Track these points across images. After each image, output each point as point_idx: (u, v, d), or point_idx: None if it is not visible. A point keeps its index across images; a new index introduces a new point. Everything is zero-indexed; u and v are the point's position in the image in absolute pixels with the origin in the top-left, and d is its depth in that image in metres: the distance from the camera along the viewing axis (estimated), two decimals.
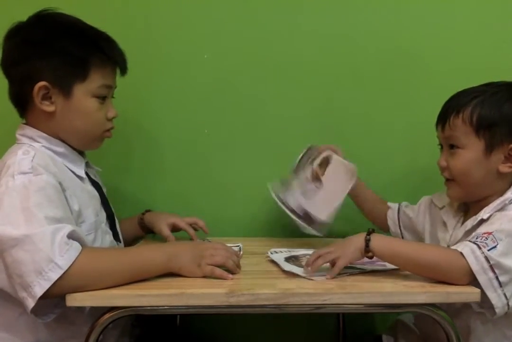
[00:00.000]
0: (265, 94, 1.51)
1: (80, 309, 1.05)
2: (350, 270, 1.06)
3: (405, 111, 1.50)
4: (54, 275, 0.90)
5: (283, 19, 1.49)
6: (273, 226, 1.48)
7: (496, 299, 0.97)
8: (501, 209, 1.10)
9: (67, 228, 0.94)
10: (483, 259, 0.97)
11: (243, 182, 1.51)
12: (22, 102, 1.13)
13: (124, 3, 1.48)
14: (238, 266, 1.06)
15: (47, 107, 1.10)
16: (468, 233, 1.13)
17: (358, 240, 1.03)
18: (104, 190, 1.27)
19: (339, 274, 1.03)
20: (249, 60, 1.50)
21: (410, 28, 1.50)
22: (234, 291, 0.93)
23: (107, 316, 0.92)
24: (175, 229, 1.33)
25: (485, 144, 1.12)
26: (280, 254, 1.21)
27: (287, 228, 1.45)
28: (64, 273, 0.90)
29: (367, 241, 1.02)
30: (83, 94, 1.12)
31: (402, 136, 1.51)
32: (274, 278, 1.04)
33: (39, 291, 0.90)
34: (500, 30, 1.49)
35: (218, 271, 1.01)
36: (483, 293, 0.96)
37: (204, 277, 1.01)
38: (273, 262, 1.16)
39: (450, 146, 1.16)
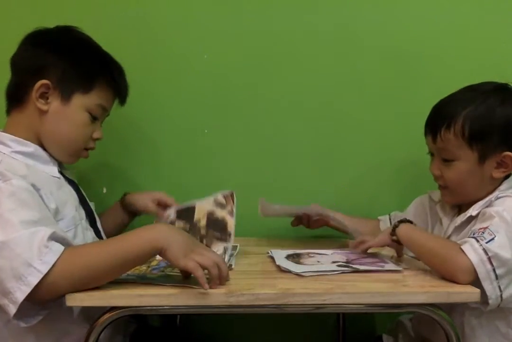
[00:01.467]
0: (265, 94, 1.50)
1: (69, 312, 1.04)
2: (343, 269, 1.07)
3: (403, 108, 1.50)
4: (34, 279, 0.88)
5: (283, 19, 1.49)
6: (273, 226, 1.47)
7: (491, 291, 0.99)
8: (489, 205, 1.12)
9: (46, 231, 0.92)
10: (481, 251, 0.99)
11: (243, 182, 1.50)
12: (19, 94, 1.12)
13: (123, 3, 1.48)
14: (222, 280, 0.94)
15: (41, 105, 1.10)
16: (458, 229, 1.16)
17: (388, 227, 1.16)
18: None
19: (331, 271, 1.04)
20: (249, 60, 1.50)
21: (409, 27, 1.49)
22: (234, 291, 0.92)
23: (106, 316, 0.91)
24: (161, 206, 1.26)
25: (478, 155, 1.14)
26: (282, 251, 1.21)
27: (287, 228, 1.45)
28: (45, 276, 0.89)
29: (395, 227, 1.11)
30: (80, 105, 1.13)
31: (400, 133, 1.50)
32: (274, 278, 1.03)
33: (20, 296, 0.89)
34: (500, 30, 1.49)
35: (200, 273, 0.90)
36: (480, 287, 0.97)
37: (183, 271, 0.97)
38: (271, 258, 1.16)
39: (443, 159, 1.18)
